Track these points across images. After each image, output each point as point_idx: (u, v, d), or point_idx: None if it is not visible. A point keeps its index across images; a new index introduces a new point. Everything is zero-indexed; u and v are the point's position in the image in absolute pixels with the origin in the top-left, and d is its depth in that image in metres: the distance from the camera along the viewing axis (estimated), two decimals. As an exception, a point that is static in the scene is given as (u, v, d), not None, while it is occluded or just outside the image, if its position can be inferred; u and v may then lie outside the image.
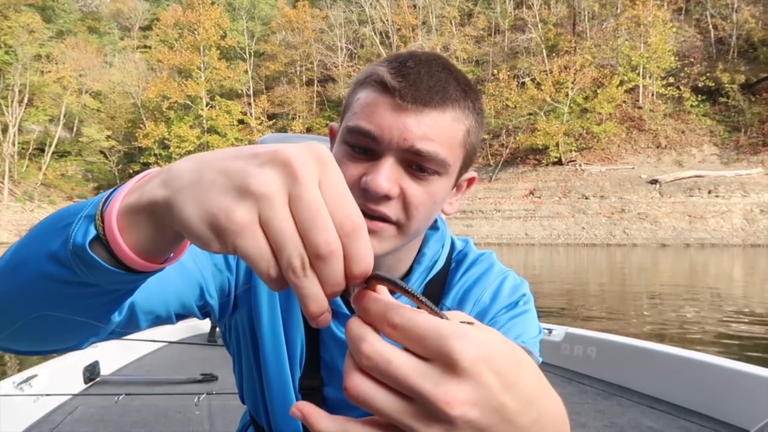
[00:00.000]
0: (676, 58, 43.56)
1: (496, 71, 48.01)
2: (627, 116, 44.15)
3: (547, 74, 44.59)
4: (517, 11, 54.61)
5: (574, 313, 8.87)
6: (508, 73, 47.15)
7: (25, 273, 0.58)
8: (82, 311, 0.62)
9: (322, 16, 60.30)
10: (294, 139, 2.89)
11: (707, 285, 13.33)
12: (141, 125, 54.87)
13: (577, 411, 3.33)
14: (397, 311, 0.41)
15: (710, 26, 47.31)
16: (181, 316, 0.93)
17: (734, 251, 27.82)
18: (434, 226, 1.07)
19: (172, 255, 0.57)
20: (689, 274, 16.32)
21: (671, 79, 43.38)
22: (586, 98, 43.23)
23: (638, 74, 43.62)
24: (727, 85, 41.76)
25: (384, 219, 0.84)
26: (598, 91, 42.73)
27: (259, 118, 56.94)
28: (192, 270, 0.90)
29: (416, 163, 0.83)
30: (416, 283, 1.02)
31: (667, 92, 43.10)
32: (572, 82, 43.22)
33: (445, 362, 0.39)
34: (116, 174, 58.00)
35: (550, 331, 4.32)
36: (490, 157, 45.61)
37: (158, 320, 0.88)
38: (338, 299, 0.99)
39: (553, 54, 48.27)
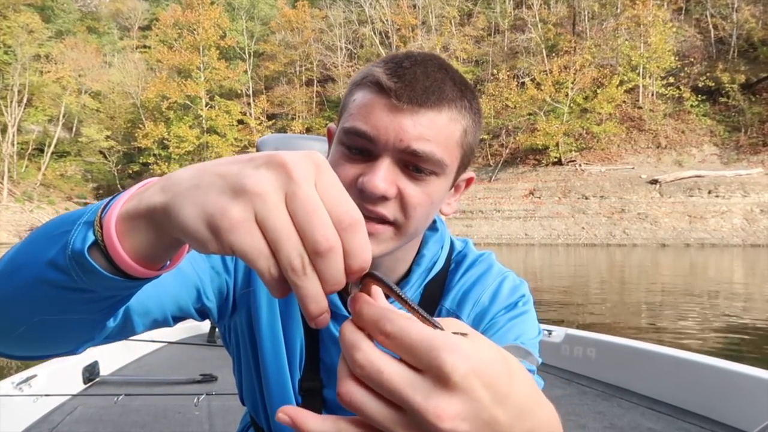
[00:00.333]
0: (676, 58, 43.55)
1: (495, 71, 48.02)
2: (627, 116, 44.14)
3: (546, 74, 44.58)
4: (517, 11, 54.60)
5: (573, 314, 8.86)
6: (508, 73, 47.15)
7: (22, 277, 0.58)
8: (78, 317, 0.62)
9: (321, 16, 60.30)
10: (294, 139, 2.89)
11: (707, 285, 13.32)
12: (140, 125, 54.84)
13: (576, 412, 3.33)
14: (390, 319, 0.41)
15: (710, 26, 47.30)
16: (178, 319, 0.92)
17: (734, 251, 27.81)
18: (433, 227, 1.07)
19: (169, 262, 0.57)
20: (689, 275, 16.32)
21: (671, 79, 43.36)
22: (586, 98, 43.22)
23: (638, 74, 43.62)
24: (727, 85, 41.73)
25: (382, 220, 0.84)
26: (598, 91, 42.71)
27: (259, 118, 56.93)
28: (189, 273, 0.90)
29: (413, 164, 0.83)
30: (415, 285, 1.01)
31: (667, 92, 43.08)
32: (572, 82, 43.21)
33: (437, 375, 0.38)
34: (115, 174, 58.00)
35: (549, 332, 4.32)
36: (489, 157, 45.60)
37: (155, 323, 0.87)
38: (338, 301, 0.99)
39: (553, 54, 48.26)
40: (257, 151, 1.77)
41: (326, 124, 1.04)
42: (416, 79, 0.82)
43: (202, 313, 0.97)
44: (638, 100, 44.72)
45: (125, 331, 0.81)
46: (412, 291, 1.01)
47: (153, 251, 0.52)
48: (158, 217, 0.48)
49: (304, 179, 0.42)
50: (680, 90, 42.97)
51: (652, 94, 44.54)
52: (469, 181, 1.00)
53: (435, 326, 0.42)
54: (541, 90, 43.32)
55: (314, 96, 58.23)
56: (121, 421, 3.15)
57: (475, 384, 0.39)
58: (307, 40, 58.36)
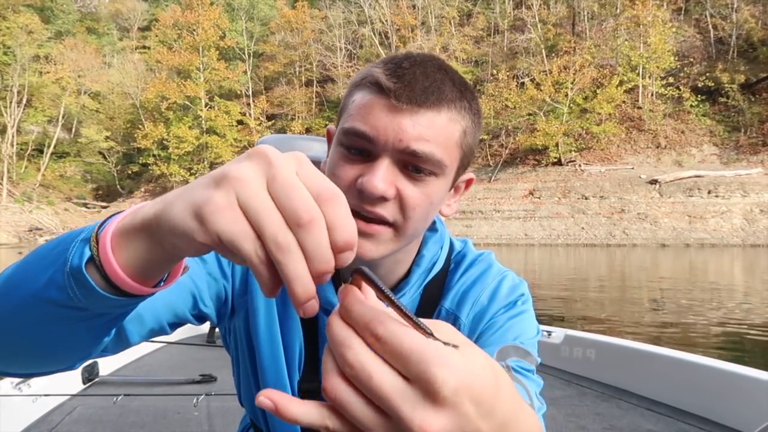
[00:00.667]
0: (676, 58, 43.56)
1: (495, 71, 48.01)
2: (626, 116, 44.14)
3: (546, 74, 44.56)
4: (517, 11, 54.59)
5: (573, 315, 8.86)
6: (508, 73, 47.13)
7: (19, 296, 0.59)
8: (74, 335, 0.63)
9: (321, 16, 60.27)
10: (293, 140, 2.90)
11: (707, 286, 13.32)
12: (140, 126, 54.85)
13: (576, 413, 3.33)
14: (382, 323, 0.41)
15: (710, 26, 47.30)
16: (175, 325, 0.93)
17: (734, 251, 27.81)
18: (433, 228, 1.06)
19: (163, 283, 0.59)
20: (689, 275, 16.31)
21: (671, 79, 43.36)
22: (585, 98, 43.21)
23: (638, 74, 43.62)
24: (726, 85, 41.74)
25: (381, 221, 0.84)
26: (598, 91, 42.70)
27: (258, 118, 56.93)
28: (184, 281, 0.90)
29: (412, 164, 0.83)
30: (415, 285, 1.01)
31: (666, 92, 43.09)
32: (572, 83, 43.20)
33: (426, 388, 0.38)
34: (115, 175, 58.04)
35: (549, 333, 4.31)
36: (489, 157, 45.60)
37: (151, 333, 0.88)
38: (334, 299, 0.98)
39: (553, 54, 48.27)
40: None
41: (326, 125, 1.05)
42: (416, 80, 0.82)
43: (200, 318, 0.97)
44: (638, 101, 44.72)
45: (120, 343, 0.82)
46: (412, 292, 1.01)
47: (146, 265, 0.53)
48: (152, 227, 0.49)
49: (284, 164, 0.44)
50: (680, 90, 42.97)
51: (652, 95, 44.54)
52: (468, 182, 0.99)
53: (426, 333, 0.41)
54: (541, 90, 43.30)
55: (314, 96, 58.20)
56: (121, 421, 3.15)
57: (463, 399, 0.39)
58: (307, 40, 58.35)
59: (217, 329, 4.75)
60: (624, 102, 43.99)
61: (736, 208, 34.33)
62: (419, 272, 1.01)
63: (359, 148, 0.84)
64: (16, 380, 3.07)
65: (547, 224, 37.26)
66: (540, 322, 1.07)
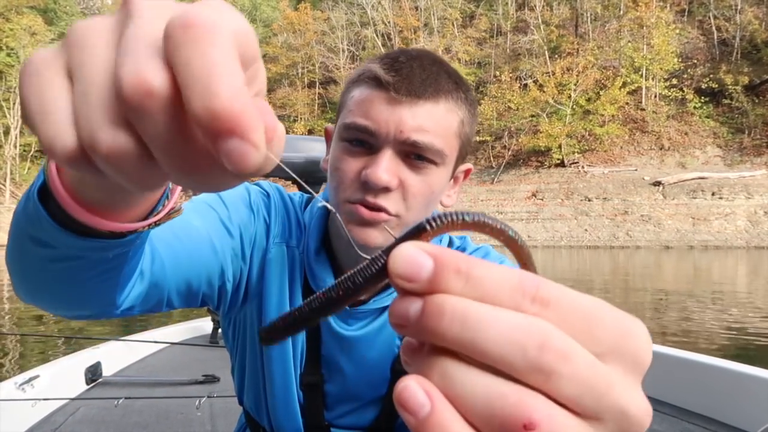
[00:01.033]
0: (679, 60, 43.57)
1: (498, 73, 48.09)
2: (630, 118, 44.12)
3: (549, 76, 44.57)
4: (520, 13, 54.65)
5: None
6: (511, 74, 47.20)
7: (16, 232, 0.59)
8: (74, 280, 0.61)
9: (323, 18, 60.41)
10: (296, 141, 2.90)
11: (711, 287, 13.29)
12: (143, 127, 54.97)
13: (580, 413, 3.32)
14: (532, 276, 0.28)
15: (713, 27, 47.28)
16: (205, 296, 0.94)
17: (738, 253, 27.76)
18: None
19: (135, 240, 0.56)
20: (693, 276, 16.28)
21: (674, 81, 43.38)
22: (588, 100, 43.21)
23: (641, 76, 43.63)
24: (730, 87, 41.72)
25: (384, 212, 0.86)
26: (601, 92, 42.71)
27: (262, 120, 57.01)
28: (217, 247, 0.91)
29: (414, 153, 0.85)
30: None
31: (670, 94, 43.09)
32: (575, 84, 43.21)
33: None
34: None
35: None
36: (492, 159, 45.60)
37: (189, 292, 0.88)
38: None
39: (556, 56, 48.31)
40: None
41: (328, 126, 1.07)
42: (413, 72, 0.84)
43: (220, 296, 0.97)
44: (641, 102, 44.70)
45: (149, 301, 0.80)
46: None
47: (88, 183, 0.46)
48: None
49: (141, 6, 0.30)
50: (683, 91, 42.99)
51: (655, 96, 44.51)
52: (467, 172, 1.01)
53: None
54: (544, 92, 43.32)
55: (316, 98, 58.31)
56: (123, 422, 3.15)
57: None
58: (309, 42, 58.50)
59: (219, 330, 4.75)
60: (627, 103, 43.98)
61: (740, 209, 34.27)
62: None
63: (361, 141, 0.86)
64: (20, 381, 3.08)
65: (550, 226, 37.24)
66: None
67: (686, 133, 42.10)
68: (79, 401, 3.38)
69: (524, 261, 0.33)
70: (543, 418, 0.24)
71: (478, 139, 44.96)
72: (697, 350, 4.51)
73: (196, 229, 0.87)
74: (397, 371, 1.03)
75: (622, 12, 47.84)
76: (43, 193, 0.51)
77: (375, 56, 0.93)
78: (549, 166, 42.52)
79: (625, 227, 35.57)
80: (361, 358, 1.02)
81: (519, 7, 55.43)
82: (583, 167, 41.67)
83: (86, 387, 3.63)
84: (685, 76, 44.17)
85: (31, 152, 53.40)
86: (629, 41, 45.19)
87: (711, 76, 43.37)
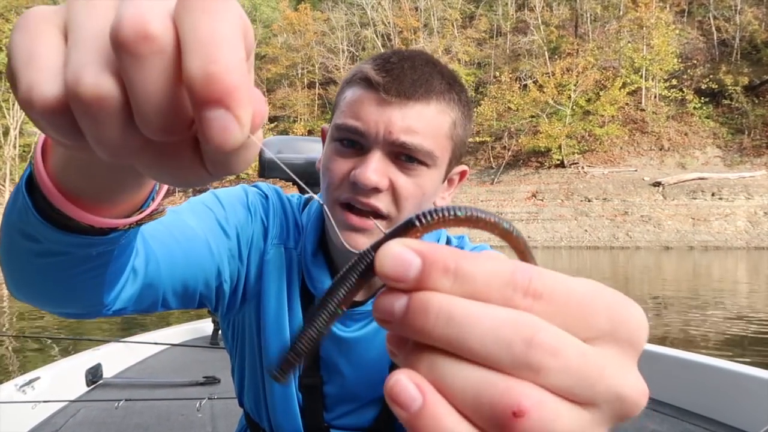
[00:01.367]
0: (679, 60, 43.54)
1: (498, 73, 48.04)
2: (630, 118, 44.10)
3: (549, 76, 44.53)
4: (519, 13, 54.62)
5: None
6: (510, 75, 47.17)
7: (7, 225, 0.59)
8: (59, 276, 0.61)
9: (323, 18, 60.37)
10: (295, 141, 2.90)
11: (711, 287, 13.29)
12: (143, 128, 54.94)
13: (580, 414, 3.31)
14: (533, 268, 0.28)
15: (713, 28, 47.27)
16: (202, 297, 0.94)
17: (738, 254, 27.75)
18: None
19: (126, 232, 0.54)
20: (693, 277, 16.28)
21: (674, 81, 43.36)
22: (588, 100, 43.18)
23: (641, 76, 43.61)
24: (730, 87, 41.71)
25: (375, 214, 0.86)
26: (601, 93, 42.68)
27: (262, 120, 56.98)
28: (213, 248, 0.91)
29: (404, 154, 0.85)
30: None
31: (669, 94, 43.09)
32: (575, 85, 43.19)
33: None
34: (119, 177, 58.04)
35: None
36: (492, 159, 45.57)
37: (185, 294, 0.88)
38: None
39: (556, 56, 48.28)
40: (259, 155, 1.77)
41: (328, 127, 1.07)
42: (404, 73, 0.84)
43: (218, 296, 0.97)
44: (641, 103, 44.68)
45: (143, 301, 0.80)
46: None
47: (72, 171, 0.46)
48: None
49: None
50: (683, 92, 42.98)
51: (655, 96, 44.50)
52: (462, 175, 1.01)
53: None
54: (544, 92, 43.29)
55: (316, 98, 58.26)
56: (124, 423, 3.15)
57: None
58: (309, 42, 58.45)
59: (219, 331, 4.75)
60: (627, 104, 43.97)
61: (740, 210, 34.26)
62: None
63: (352, 142, 0.86)
64: (20, 382, 3.08)
65: (549, 226, 37.22)
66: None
67: (686, 134, 42.09)
68: (80, 403, 3.38)
69: (521, 252, 0.33)
70: (532, 405, 0.24)
71: (477, 139, 44.96)
72: (697, 351, 4.51)
73: (192, 230, 0.88)
74: None
75: (621, 12, 47.82)
76: (30, 186, 0.51)
77: (370, 56, 0.93)
78: (549, 167, 42.49)
79: (625, 228, 35.56)
80: (360, 360, 1.03)
81: (519, 8, 55.40)
82: (583, 168, 41.65)
83: (87, 389, 3.63)
84: (685, 76, 44.15)
85: (31, 153, 53.29)
86: (629, 42, 45.16)
87: (711, 76, 43.35)
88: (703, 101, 42.57)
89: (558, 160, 42.10)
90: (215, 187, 1.02)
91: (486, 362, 0.25)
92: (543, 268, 0.28)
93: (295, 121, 56.68)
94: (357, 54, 58.18)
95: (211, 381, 3.87)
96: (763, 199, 34.26)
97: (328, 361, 1.03)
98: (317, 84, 58.47)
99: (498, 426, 0.24)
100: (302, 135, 47.05)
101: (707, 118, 42.48)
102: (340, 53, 58.06)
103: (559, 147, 41.80)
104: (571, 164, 42.07)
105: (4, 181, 48.36)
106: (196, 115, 0.27)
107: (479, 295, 0.26)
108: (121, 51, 0.26)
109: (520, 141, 44.16)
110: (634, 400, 0.28)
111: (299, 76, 59.87)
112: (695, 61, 45.34)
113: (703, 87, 42.90)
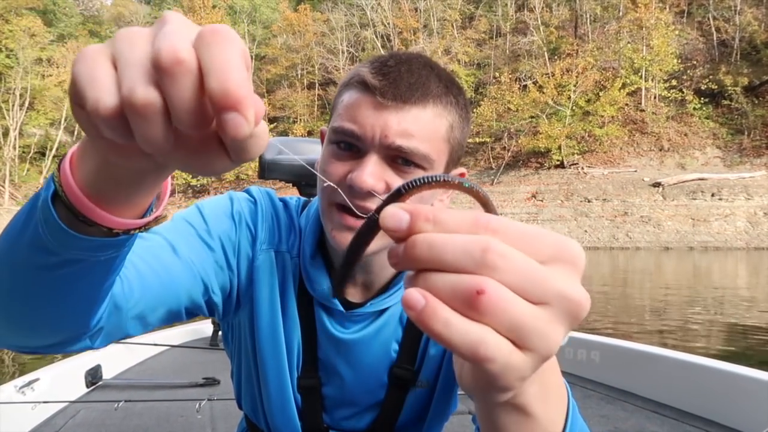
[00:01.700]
0: (679, 61, 43.56)
1: (497, 74, 48.04)
2: (629, 119, 44.12)
3: (549, 77, 44.54)
4: (519, 14, 54.65)
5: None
6: (510, 76, 47.16)
7: (5, 254, 0.60)
8: (59, 296, 0.62)
9: (323, 19, 60.40)
10: (295, 142, 2.90)
11: (711, 288, 13.28)
12: (143, 129, 54.88)
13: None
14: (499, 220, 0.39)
15: (713, 28, 47.31)
16: (190, 312, 0.93)
17: (738, 254, 27.75)
18: None
19: (135, 233, 0.57)
20: (693, 278, 16.27)
21: (674, 82, 43.37)
22: (588, 101, 43.20)
23: (640, 77, 43.63)
24: (730, 88, 41.73)
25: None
26: (601, 93, 42.70)
27: (261, 121, 56.96)
28: (196, 265, 0.91)
29: (400, 157, 0.85)
30: None
31: (669, 95, 43.11)
32: (574, 85, 43.19)
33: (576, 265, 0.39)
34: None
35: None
36: (492, 160, 45.59)
37: (169, 315, 0.88)
38: (329, 295, 0.99)
39: (555, 57, 48.31)
40: (259, 156, 1.78)
41: (327, 128, 1.07)
42: (401, 77, 0.84)
43: (210, 308, 0.97)
44: (641, 103, 44.71)
45: (124, 323, 0.79)
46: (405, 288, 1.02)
47: (100, 178, 0.50)
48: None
49: (175, 19, 0.41)
50: (683, 93, 43.01)
51: (655, 97, 44.53)
52: (460, 177, 0.99)
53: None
54: (544, 93, 43.31)
55: (316, 99, 58.26)
56: (124, 425, 3.14)
57: None
58: (309, 43, 58.46)
59: (219, 333, 4.75)
60: (627, 104, 43.99)
61: (740, 210, 34.27)
62: None
63: (349, 145, 0.87)
64: (20, 384, 3.07)
65: (549, 227, 37.14)
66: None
67: (686, 134, 42.11)
68: (80, 404, 3.37)
69: (485, 204, 0.43)
70: (491, 287, 0.35)
71: (477, 140, 44.98)
72: (697, 352, 4.50)
73: (170, 254, 0.87)
74: (394, 376, 1.03)
75: (621, 13, 47.88)
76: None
77: (368, 59, 0.93)
78: (549, 168, 42.50)
79: (624, 228, 35.56)
80: (359, 362, 1.02)
81: (518, 9, 55.45)
82: (582, 168, 41.66)
83: (86, 390, 3.63)
84: (685, 77, 44.18)
85: (30, 154, 53.39)
86: (629, 42, 45.17)
87: (710, 77, 43.39)
88: (702, 102, 42.59)
89: (558, 160, 42.11)
90: (215, 188, 1.01)
91: (458, 269, 0.36)
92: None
93: (294, 122, 56.70)
94: (356, 55, 58.18)
95: (211, 382, 3.87)
96: (762, 199, 34.28)
97: (326, 362, 1.03)
98: (317, 85, 58.49)
99: (468, 303, 0.35)
100: (302, 136, 47.06)
101: (707, 118, 42.50)
102: (340, 54, 58.06)
103: (559, 147, 41.80)
104: (570, 165, 42.07)
105: (4, 182, 48.35)
106: (216, 116, 0.37)
107: (451, 233, 0.37)
108: (161, 71, 0.36)
109: (519, 142, 44.17)
110: (579, 300, 0.37)
111: (299, 76, 59.88)
112: (695, 62, 45.37)
113: (702, 87, 42.92)
